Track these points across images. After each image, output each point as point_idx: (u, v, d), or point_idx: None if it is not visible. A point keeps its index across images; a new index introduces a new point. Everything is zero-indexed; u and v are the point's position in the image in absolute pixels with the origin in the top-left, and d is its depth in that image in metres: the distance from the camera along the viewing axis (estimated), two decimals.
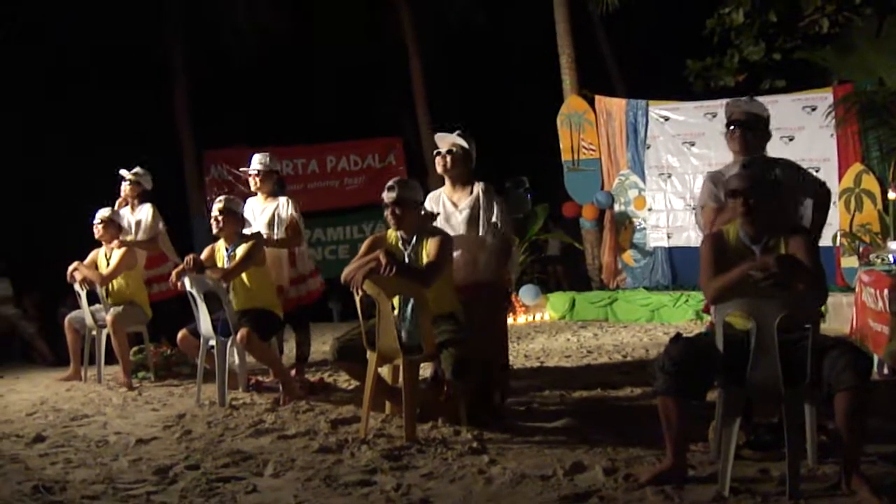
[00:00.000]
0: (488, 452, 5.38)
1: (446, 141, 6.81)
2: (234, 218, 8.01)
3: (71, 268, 9.57)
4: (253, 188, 8.86)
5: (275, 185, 8.85)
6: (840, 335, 7.46)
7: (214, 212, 8.01)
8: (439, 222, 6.76)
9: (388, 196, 6.18)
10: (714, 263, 4.67)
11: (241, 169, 9.37)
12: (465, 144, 6.77)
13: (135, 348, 9.67)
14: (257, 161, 8.77)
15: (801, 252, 4.54)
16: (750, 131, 5.45)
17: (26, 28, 17.25)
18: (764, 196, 4.65)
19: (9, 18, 16.75)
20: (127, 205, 10.21)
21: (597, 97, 15.75)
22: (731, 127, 5.49)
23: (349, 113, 20.53)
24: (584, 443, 5.50)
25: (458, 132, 6.81)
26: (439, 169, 6.88)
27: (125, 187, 10.18)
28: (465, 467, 5.05)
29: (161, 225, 10.09)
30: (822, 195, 5.53)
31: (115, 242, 9.52)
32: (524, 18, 19.87)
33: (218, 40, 18.68)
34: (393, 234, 6.33)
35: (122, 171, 10.19)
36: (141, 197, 10.17)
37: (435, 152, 6.91)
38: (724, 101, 12.15)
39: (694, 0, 16.20)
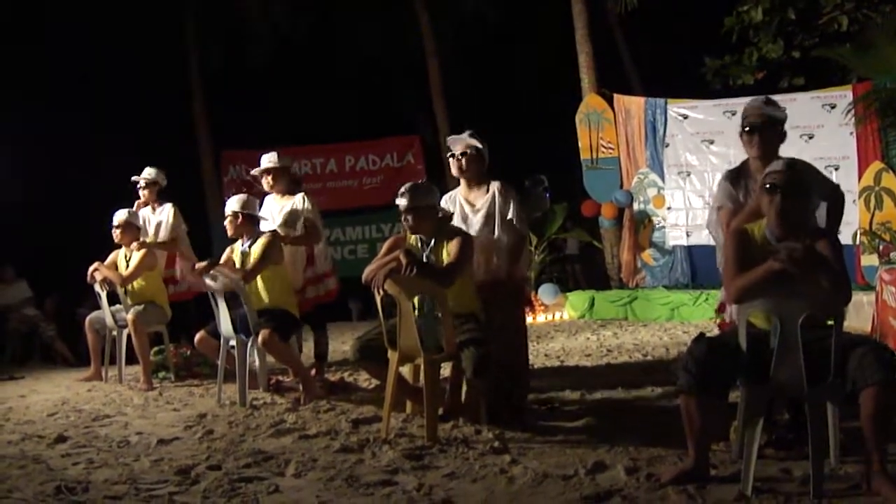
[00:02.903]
0: (510, 452, 5.37)
1: (459, 143, 6.80)
2: (248, 218, 8.03)
3: (91, 268, 9.61)
4: (266, 188, 8.87)
5: (289, 182, 8.85)
6: (861, 334, 7.42)
7: (228, 213, 8.03)
8: (456, 222, 6.76)
9: (400, 203, 6.18)
10: (738, 261, 4.63)
11: (252, 172, 9.34)
12: (478, 145, 6.77)
13: (155, 349, 9.70)
14: (266, 160, 8.76)
15: (827, 253, 4.51)
16: (767, 134, 5.40)
17: (47, 33, 17.40)
18: (799, 197, 4.61)
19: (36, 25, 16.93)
20: (147, 205, 10.21)
21: (615, 95, 15.74)
22: (749, 130, 5.44)
23: (367, 112, 20.57)
24: (606, 442, 5.48)
25: (469, 133, 6.82)
26: (455, 171, 6.88)
27: (142, 192, 10.19)
28: (487, 467, 5.03)
29: (182, 225, 10.09)
30: (836, 199, 5.47)
31: (135, 244, 9.54)
32: (543, 17, 19.86)
33: (236, 40, 18.76)
34: (413, 236, 6.34)
35: (135, 178, 10.19)
36: (160, 197, 10.18)
37: (448, 154, 6.92)
38: (743, 100, 12.14)
39: None
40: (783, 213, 4.60)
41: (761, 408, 4.45)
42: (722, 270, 4.98)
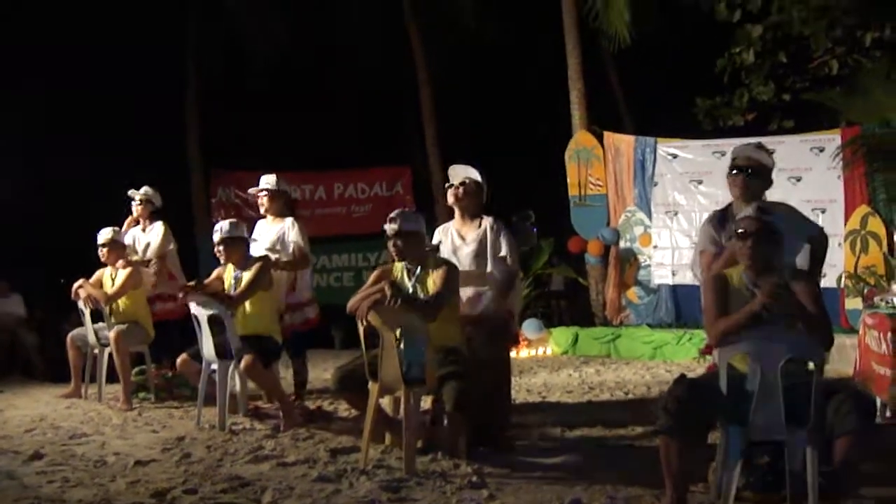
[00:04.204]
0: (487, 487, 5.35)
1: (460, 173, 6.86)
2: (237, 243, 8.02)
3: (76, 285, 9.58)
4: (262, 210, 8.90)
5: (284, 206, 8.88)
6: (843, 377, 7.44)
7: (216, 240, 8.01)
8: (447, 254, 6.79)
9: (389, 228, 6.21)
10: (718, 307, 4.69)
11: (249, 190, 9.37)
12: (478, 178, 6.84)
13: (136, 369, 9.65)
14: (265, 181, 8.83)
15: (804, 296, 4.56)
16: (752, 177, 5.48)
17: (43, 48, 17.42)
18: (769, 243, 4.67)
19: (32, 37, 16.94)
20: (138, 224, 10.22)
21: (605, 133, 15.73)
22: (734, 171, 5.53)
23: (359, 141, 20.58)
24: (584, 480, 5.47)
25: (471, 166, 6.90)
26: (450, 200, 6.94)
27: (136, 207, 10.19)
28: (464, 501, 5.02)
29: (171, 245, 10.09)
30: (820, 242, 5.54)
31: (121, 262, 9.52)
32: (535, 53, 19.91)
33: (231, 65, 18.76)
34: (399, 265, 6.37)
35: (131, 192, 10.20)
36: (152, 216, 10.18)
37: (447, 185, 6.96)
38: (732, 140, 12.17)
39: (705, 39, 16.25)
40: (754, 259, 4.67)
41: (740, 450, 4.46)
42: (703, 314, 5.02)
